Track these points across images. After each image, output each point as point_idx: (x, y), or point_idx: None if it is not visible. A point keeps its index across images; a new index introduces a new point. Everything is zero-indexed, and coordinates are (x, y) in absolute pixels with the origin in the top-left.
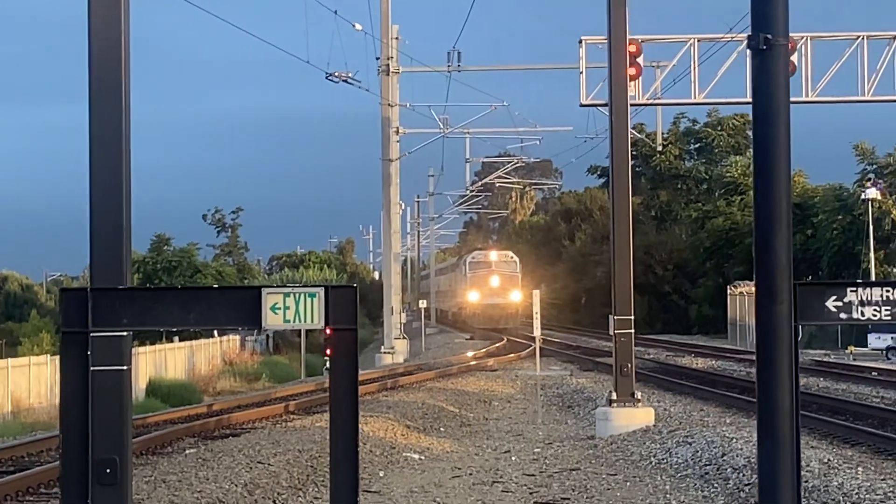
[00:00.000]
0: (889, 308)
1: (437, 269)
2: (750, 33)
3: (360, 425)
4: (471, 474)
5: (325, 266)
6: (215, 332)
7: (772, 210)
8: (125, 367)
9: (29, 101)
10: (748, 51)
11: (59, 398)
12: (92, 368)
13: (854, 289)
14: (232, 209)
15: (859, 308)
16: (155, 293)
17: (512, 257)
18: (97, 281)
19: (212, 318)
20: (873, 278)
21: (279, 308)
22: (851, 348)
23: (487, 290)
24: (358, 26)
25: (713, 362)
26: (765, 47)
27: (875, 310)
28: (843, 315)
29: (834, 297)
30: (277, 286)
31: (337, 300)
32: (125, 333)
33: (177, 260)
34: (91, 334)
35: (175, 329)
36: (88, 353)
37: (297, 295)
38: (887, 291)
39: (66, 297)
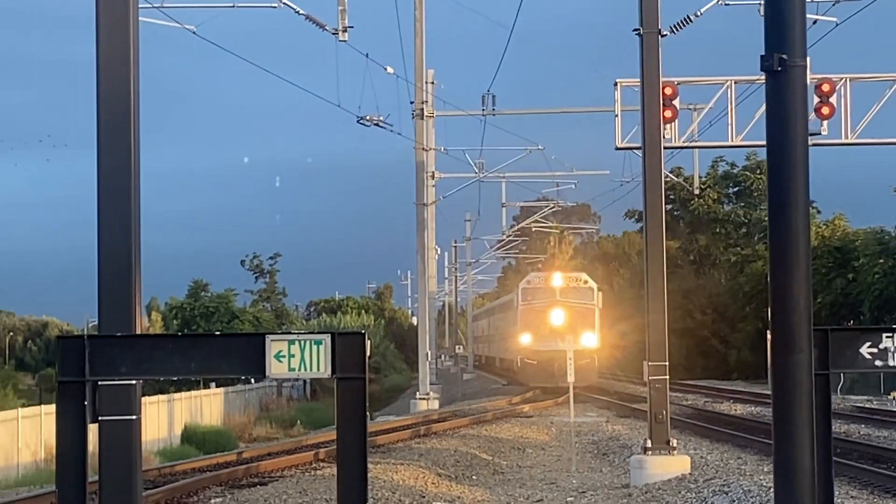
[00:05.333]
0: None
1: (479, 313)
2: (763, 53)
3: (390, 473)
4: None
5: (363, 311)
6: (252, 379)
7: (788, 249)
8: (134, 417)
9: (74, 146)
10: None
11: (56, 450)
12: (100, 418)
13: (890, 335)
14: (270, 255)
15: (895, 355)
16: (154, 340)
17: (586, 282)
18: (104, 328)
19: (214, 367)
20: None
21: (283, 356)
22: (894, 394)
23: (547, 331)
24: (390, 70)
25: (752, 408)
26: (780, 68)
27: None
28: (878, 362)
29: (868, 344)
30: (282, 333)
31: (344, 348)
32: (133, 382)
33: (214, 306)
34: (98, 383)
35: (175, 378)
36: (86, 403)
37: (302, 342)
38: None
39: (63, 344)
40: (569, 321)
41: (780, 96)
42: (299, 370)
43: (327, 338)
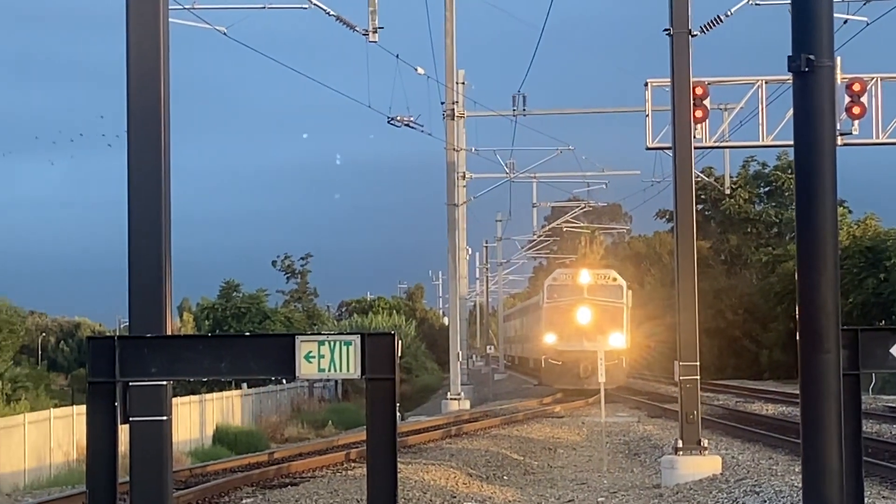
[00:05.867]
0: None
1: (510, 313)
2: (790, 54)
3: (421, 474)
4: None
5: (395, 312)
6: (284, 379)
7: (817, 248)
8: (164, 418)
9: (108, 147)
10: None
11: (87, 451)
12: (131, 419)
13: None
14: (301, 255)
15: None
16: (185, 341)
17: (615, 279)
18: (135, 329)
19: (244, 368)
20: None
21: (313, 356)
22: None
23: (572, 330)
24: (420, 70)
25: (784, 408)
26: (807, 69)
27: None
28: None
29: None
30: (311, 333)
31: (374, 348)
32: (163, 382)
33: (245, 306)
34: (129, 383)
35: (206, 379)
36: (116, 403)
37: (332, 343)
38: None
39: (93, 345)
40: (596, 320)
41: (808, 97)
42: (329, 371)
43: (357, 338)
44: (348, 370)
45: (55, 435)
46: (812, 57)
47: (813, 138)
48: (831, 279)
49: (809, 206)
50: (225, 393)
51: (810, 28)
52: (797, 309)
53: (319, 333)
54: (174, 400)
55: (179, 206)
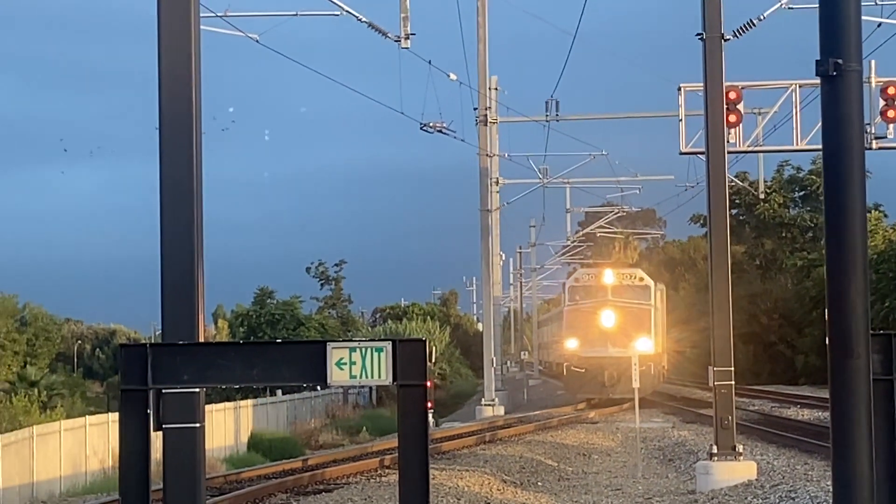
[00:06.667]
0: None
1: (544, 318)
2: (819, 58)
3: (455, 480)
4: None
5: (429, 318)
6: (318, 386)
7: (845, 253)
8: (198, 425)
9: (143, 156)
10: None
11: (119, 458)
12: (164, 426)
13: None
14: (335, 262)
15: None
16: (217, 348)
17: (641, 279)
18: (168, 336)
19: (275, 374)
20: None
21: (345, 363)
22: None
23: (596, 335)
24: (453, 76)
25: (819, 413)
26: (835, 73)
27: None
28: None
29: None
30: (343, 340)
31: (405, 355)
32: (196, 390)
33: (280, 313)
34: (162, 391)
35: (238, 385)
36: (149, 411)
37: (363, 349)
38: None
39: (126, 352)
40: (621, 323)
41: (836, 101)
42: (360, 378)
43: (388, 345)
44: (380, 377)
45: (91, 442)
46: (840, 61)
47: (841, 142)
48: (860, 284)
49: (838, 209)
50: (260, 400)
51: (838, 32)
52: (826, 314)
53: (351, 340)
54: (208, 407)
55: (214, 212)
